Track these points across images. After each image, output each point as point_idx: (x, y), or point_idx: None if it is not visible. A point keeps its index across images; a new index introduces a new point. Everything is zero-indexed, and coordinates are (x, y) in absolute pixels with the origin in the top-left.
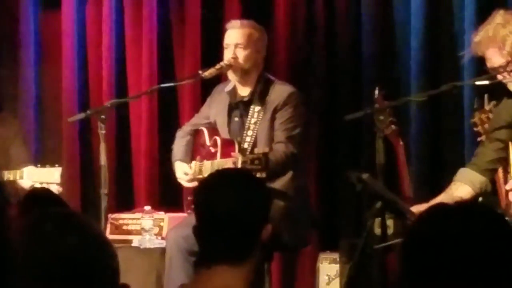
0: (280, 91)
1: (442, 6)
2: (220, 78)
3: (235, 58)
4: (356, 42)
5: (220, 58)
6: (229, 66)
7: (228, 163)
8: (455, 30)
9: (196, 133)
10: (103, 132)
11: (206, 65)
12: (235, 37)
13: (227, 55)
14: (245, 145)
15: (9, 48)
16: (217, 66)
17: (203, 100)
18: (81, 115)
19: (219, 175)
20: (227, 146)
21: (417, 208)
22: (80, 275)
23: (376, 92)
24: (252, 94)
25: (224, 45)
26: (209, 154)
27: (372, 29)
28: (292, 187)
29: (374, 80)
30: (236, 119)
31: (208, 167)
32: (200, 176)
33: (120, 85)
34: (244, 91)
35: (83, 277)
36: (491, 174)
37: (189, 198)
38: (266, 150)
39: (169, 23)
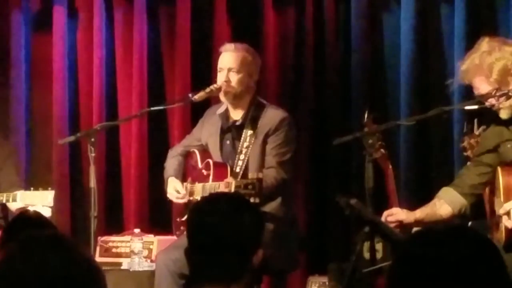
0: (272, 115)
1: (431, 30)
2: (210, 101)
3: (228, 81)
4: (346, 66)
5: (210, 81)
6: (219, 89)
7: (221, 187)
8: (445, 53)
9: (187, 155)
10: (93, 154)
11: (196, 88)
12: (229, 61)
13: (220, 79)
14: (237, 169)
15: (0, 69)
16: (207, 90)
17: (193, 123)
18: (71, 138)
19: (212, 199)
20: (220, 169)
21: (405, 215)
22: None
23: (366, 115)
24: (244, 117)
25: (218, 69)
26: (201, 176)
27: (362, 52)
28: (281, 211)
29: (363, 103)
30: (228, 142)
31: (199, 189)
32: (191, 198)
33: (110, 108)
34: (236, 115)
35: None
36: (472, 198)
37: (178, 219)
38: (260, 176)
39: (159, 46)
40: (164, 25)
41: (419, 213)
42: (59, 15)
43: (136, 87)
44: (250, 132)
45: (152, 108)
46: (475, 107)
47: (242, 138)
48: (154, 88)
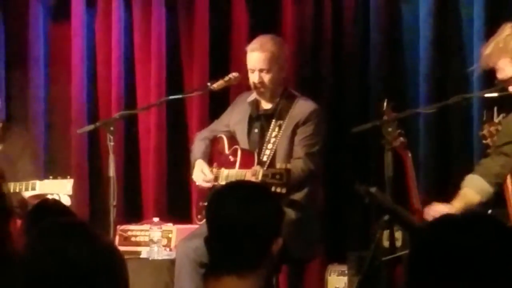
0: (302, 107)
1: (451, 18)
2: (228, 90)
3: (262, 82)
4: (364, 54)
5: (228, 70)
6: (238, 78)
7: (247, 175)
8: (464, 41)
9: (214, 139)
10: (112, 143)
11: (214, 77)
12: (258, 62)
13: (253, 79)
14: (264, 158)
15: (18, 59)
16: (226, 78)
17: (211, 112)
18: (90, 127)
19: (233, 187)
20: (247, 157)
21: (448, 209)
22: (90, 286)
23: (385, 104)
24: (274, 107)
25: (248, 69)
26: (228, 162)
27: (380, 41)
28: (306, 201)
29: (382, 92)
30: (256, 130)
31: (224, 175)
32: (216, 183)
33: (129, 97)
34: (266, 104)
35: (98, 286)
36: (497, 187)
37: (200, 203)
38: (289, 166)
39: (178, 35)
40: (182, 14)
41: (458, 206)
42: (78, 5)
43: (154, 76)
44: (279, 122)
45: (170, 97)
46: (495, 94)
47: (270, 128)
48: (172, 77)
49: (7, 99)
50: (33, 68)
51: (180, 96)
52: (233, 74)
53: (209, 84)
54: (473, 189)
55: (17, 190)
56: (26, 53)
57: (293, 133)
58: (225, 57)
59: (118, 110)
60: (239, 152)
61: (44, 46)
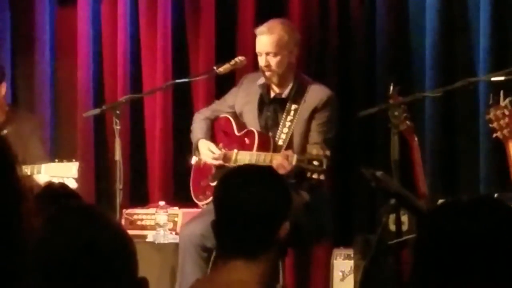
0: (319, 92)
1: (457, 2)
2: (234, 74)
3: (268, 66)
4: (370, 38)
5: (234, 53)
6: (244, 62)
7: (277, 158)
8: (470, 24)
9: (217, 120)
10: (118, 127)
11: (220, 60)
12: (265, 45)
13: (261, 63)
14: (280, 142)
15: (24, 43)
16: (232, 62)
17: (217, 96)
18: (96, 111)
19: (241, 171)
20: (263, 140)
21: None
22: (102, 268)
23: (391, 88)
24: (289, 92)
25: (257, 52)
26: (242, 144)
27: (386, 24)
28: (317, 186)
29: (388, 76)
30: (269, 113)
31: (245, 158)
32: (225, 164)
33: (135, 81)
34: (279, 89)
35: (105, 270)
36: None
37: (201, 183)
38: (328, 153)
39: (184, 18)
40: None
41: None
42: None
43: (160, 60)
44: (294, 106)
45: (176, 81)
46: (502, 78)
47: (285, 112)
48: (178, 60)
49: (13, 83)
50: (39, 52)
51: (186, 80)
52: (239, 58)
53: (215, 68)
54: None
55: (26, 173)
56: (32, 38)
57: (310, 118)
58: (231, 41)
59: (124, 94)
60: (256, 135)
61: (50, 31)
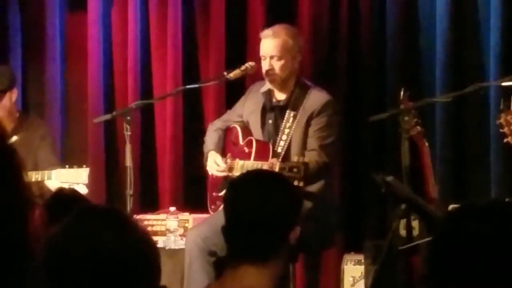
0: (316, 98)
1: (467, 7)
2: (245, 80)
3: (272, 69)
4: (380, 43)
5: (245, 59)
6: (254, 68)
7: (263, 167)
8: (481, 30)
9: (227, 130)
10: (129, 133)
11: (230, 66)
12: (269, 48)
13: (264, 67)
14: (279, 149)
15: (35, 49)
16: (242, 68)
17: (227, 101)
18: (107, 116)
19: (252, 175)
20: (262, 148)
21: None
22: (124, 277)
23: (402, 93)
24: (288, 98)
25: (260, 56)
26: (242, 153)
27: (397, 29)
28: (322, 192)
29: (398, 81)
30: (270, 121)
31: (239, 167)
32: (230, 174)
33: (145, 87)
34: (280, 95)
35: (127, 279)
36: None
37: (214, 194)
38: (306, 160)
39: (194, 24)
40: (199, 2)
41: None
42: None
43: (170, 65)
44: (293, 113)
45: (187, 86)
46: None
47: (285, 119)
48: (188, 66)
49: (24, 89)
50: (50, 58)
51: (196, 85)
52: (250, 64)
53: (225, 73)
54: None
55: (33, 180)
56: (42, 43)
57: (307, 124)
58: (242, 46)
59: (135, 100)
60: (254, 143)
61: (61, 36)
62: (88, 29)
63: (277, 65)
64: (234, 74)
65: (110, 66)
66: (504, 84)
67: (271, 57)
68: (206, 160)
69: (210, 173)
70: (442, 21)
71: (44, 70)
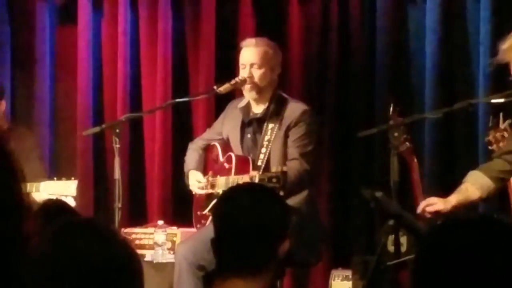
0: (293, 109)
1: (457, 22)
2: (234, 94)
3: (251, 77)
4: (370, 59)
5: (235, 73)
6: (244, 82)
7: (244, 179)
8: (470, 45)
9: (207, 148)
10: (118, 146)
11: (220, 80)
12: (250, 56)
13: (243, 75)
14: (259, 163)
15: (24, 61)
16: (232, 82)
17: (217, 115)
18: (96, 129)
19: (241, 188)
20: (242, 163)
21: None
22: (109, 284)
23: (391, 108)
24: (266, 111)
25: (240, 65)
26: (223, 169)
27: (386, 46)
28: (305, 204)
29: (388, 97)
30: (249, 135)
31: (222, 183)
32: (213, 191)
33: (135, 100)
34: (258, 108)
35: (112, 286)
36: (499, 183)
37: (198, 213)
38: (284, 168)
39: (184, 38)
40: (189, 16)
41: (454, 200)
42: (84, 7)
43: (160, 79)
44: (271, 125)
45: (176, 100)
46: (501, 100)
47: (263, 132)
48: (178, 79)
49: (13, 101)
50: (39, 70)
51: (186, 99)
52: (240, 77)
53: (215, 87)
54: (474, 185)
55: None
56: (32, 55)
57: (286, 135)
58: (231, 60)
59: (124, 113)
60: (233, 159)
61: (50, 49)
62: (77, 42)
63: (256, 73)
64: (224, 88)
65: (100, 79)
66: (493, 101)
67: (251, 65)
68: (187, 179)
69: (193, 192)
70: (431, 38)
71: (33, 82)
